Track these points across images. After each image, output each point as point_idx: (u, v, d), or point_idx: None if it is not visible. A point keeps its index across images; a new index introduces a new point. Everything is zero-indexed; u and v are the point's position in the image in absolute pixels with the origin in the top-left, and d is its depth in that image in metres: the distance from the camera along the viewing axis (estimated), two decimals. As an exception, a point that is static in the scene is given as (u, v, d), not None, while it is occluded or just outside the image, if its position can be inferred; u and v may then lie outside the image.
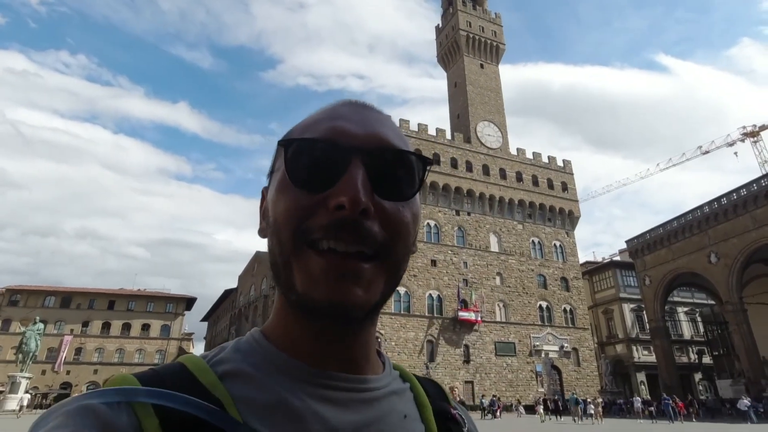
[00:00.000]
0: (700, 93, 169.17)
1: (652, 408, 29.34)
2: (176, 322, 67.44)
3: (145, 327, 65.81)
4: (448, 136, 52.45)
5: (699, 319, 52.13)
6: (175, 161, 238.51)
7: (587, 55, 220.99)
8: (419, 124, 50.31)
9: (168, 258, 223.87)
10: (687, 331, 53.35)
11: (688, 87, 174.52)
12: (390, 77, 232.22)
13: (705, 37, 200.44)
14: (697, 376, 50.05)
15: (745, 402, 23.84)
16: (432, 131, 50.99)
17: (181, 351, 74.49)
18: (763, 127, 66.35)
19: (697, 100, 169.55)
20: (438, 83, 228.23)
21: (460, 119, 57.05)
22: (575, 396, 31.65)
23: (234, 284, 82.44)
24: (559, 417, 33.09)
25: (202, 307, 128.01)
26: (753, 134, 67.01)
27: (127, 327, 64.72)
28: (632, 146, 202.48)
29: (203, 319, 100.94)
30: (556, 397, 40.23)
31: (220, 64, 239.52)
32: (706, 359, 48.48)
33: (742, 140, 68.29)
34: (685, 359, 49.83)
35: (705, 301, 51.97)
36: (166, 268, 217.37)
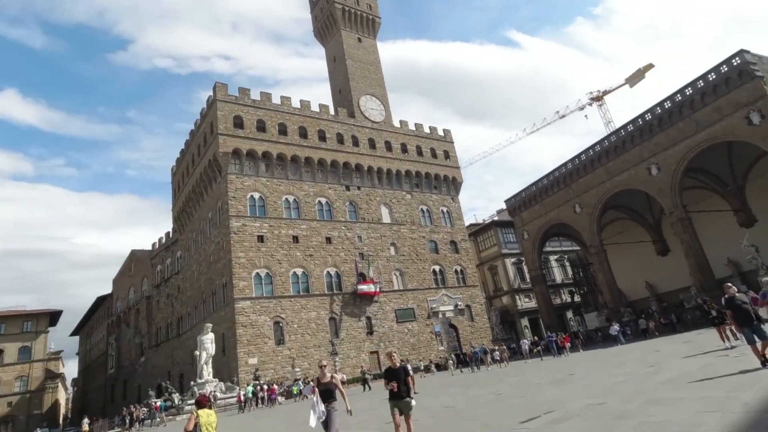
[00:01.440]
0: (547, 66, 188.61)
1: (539, 347, 32.01)
2: (38, 342, 58.40)
3: (-3, 352, 56.03)
4: (332, 111, 51.63)
5: (567, 264, 58.93)
6: (10, 159, 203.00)
7: (451, 32, 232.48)
8: (302, 101, 48.68)
9: (18, 271, 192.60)
10: (558, 276, 60.13)
11: (537, 61, 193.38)
12: (258, 57, 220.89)
13: (548, 15, 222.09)
14: (569, 314, 56.89)
15: (615, 328, 27.57)
16: (315, 107, 49.74)
17: (49, 373, 65.09)
18: (605, 92, 76.17)
19: (545, 72, 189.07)
20: (310, 62, 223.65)
21: (342, 94, 56.42)
22: (484, 346, 33.85)
23: (107, 290, 73.97)
24: (470, 368, 34.71)
25: (68, 322, 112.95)
26: (598, 98, 76.72)
27: (-28, 355, 54.56)
28: (496, 116, 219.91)
29: (73, 333, 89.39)
30: (457, 352, 42.70)
31: (57, 44, 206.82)
32: (576, 298, 55.17)
33: (590, 104, 77.90)
34: (558, 300, 56.22)
35: (571, 248, 58.90)
36: (17, 283, 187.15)
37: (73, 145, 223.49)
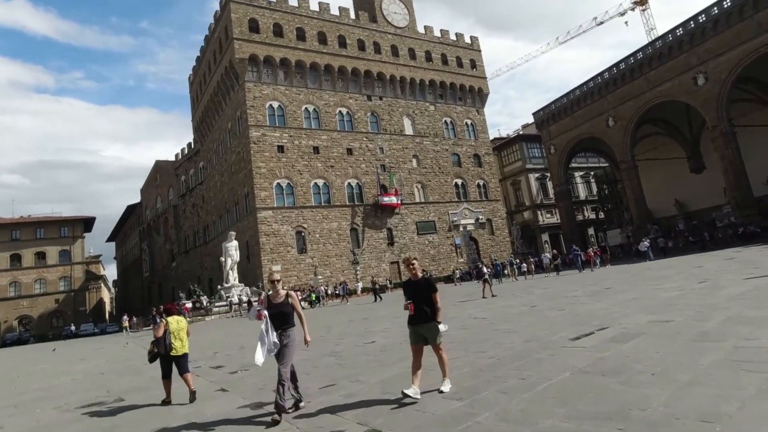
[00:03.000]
0: None
1: (557, 261, 30.60)
2: (76, 246, 61.55)
3: (40, 255, 59.40)
4: (353, 15, 48.32)
5: (593, 180, 57.41)
6: (29, 71, 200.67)
7: None
8: (320, 4, 45.52)
9: (52, 182, 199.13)
10: (582, 192, 58.90)
11: None
12: None
13: None
14: (590, 231, 56.52)
15: (645, 243, 27.01)
16: (335, 11, 46.55)
17: (90, 275, 69.43)
18: (651, -6, 68.86)
19: None
20: None
21: (364, -5, 52.35)
22: (511, 258, 34.06)
23: (136, 200, 76.26)
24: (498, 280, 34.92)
25: (104, 229, 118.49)
26: (642, 2, 69.61)
27: (16, 258, 58.04)
28: (523, 26, 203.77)
29: (109, 240, 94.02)
30: (479, 264, 43.26)
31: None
32: (600, 215, 54.40)
33: (633, 9, 70.93)
34: (581, 217, 55.58)
35: (597, 165, 57.02)
36: (53, 193, 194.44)
37: (89, 57, 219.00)
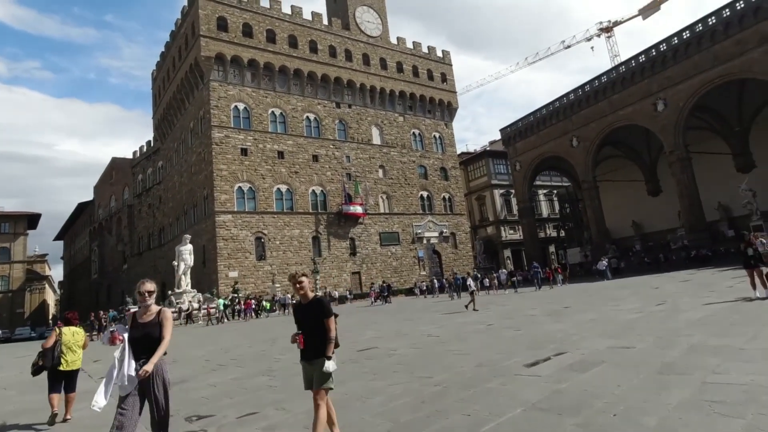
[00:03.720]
0: None
1: (515, 278, 29.80)
2: (17, 243, 57.82)
3: (-24, 252, 55.47)
4: (325, 21, 47.78)
5: (555, 199, 58.44)
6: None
7: None
8: (293, 7, 44.75)
9: (0, 174, 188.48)
10: (545, 210, 59.88)
11: None
12: None
13: None
14: (551, 248, 57.36)
15: (603, 263, 27.24)
16: (307, 15, 45.89)
17: (32, 274, 65.30)
18: (616, 23, 71.65)
19: (545, 2, 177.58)
20: None
21: (338, 3, 52.01)
22: (475, 272, 33.73)
23: (90, 197, 72.48)
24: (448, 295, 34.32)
25: (55, 227, 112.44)
26: (608, 29, 72.26)
27: (-51, 254, 54.00)
28: (492, 47, 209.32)
29: (56, 238, 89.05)
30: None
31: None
32: (561, 233, 55.28)
33: (599, 35, 73.52)
34: (542, 234, 56.36)
35: (560, 184, 58.13)
36: (1, 185, 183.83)
37: (48, 47, 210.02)
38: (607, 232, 40.76)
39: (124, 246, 58.63)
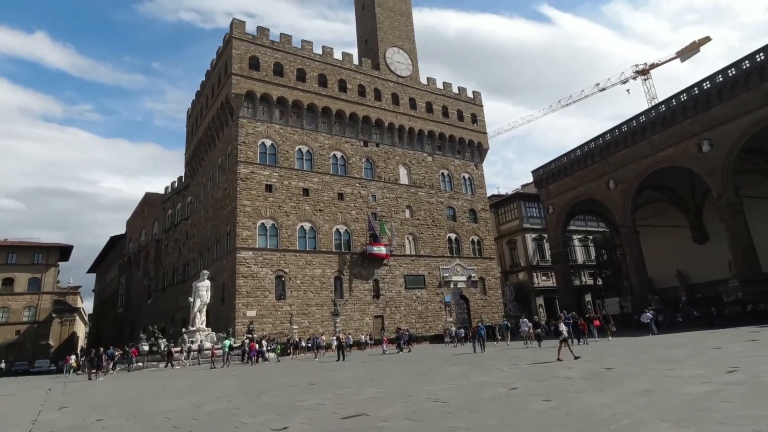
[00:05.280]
0: (579, 42, 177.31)
1: (539, 330, 24.95)
2: (48, 274, 58.61)
3: (7, 282, 56.33)
4: (356, 61, 48.30)
5: (591, 245, 55.50)
6: (40, 100, 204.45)
7: (481, 3, 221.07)
8: (324, 47, 45.46)
9: (47, 208, 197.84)
10: (580, 256, 56.83)
11: (569, 37, 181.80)
12: (282, 16, 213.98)
13: None
14: (587, 297, 53.92)
15: (648, 315, 24.46)
16: (338, 55, 46.50)
17: (62, 305, 66.03)
18: (653, 65, 70.11)
19: (576, 49, 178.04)
20: (334, 26, 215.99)
21: (369, 44, 52.80)
22: (506, 322, 31.34)
23: (122, 230, 73.99)
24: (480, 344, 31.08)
25: (91, 258, 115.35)
26: (644, 72, 70.69)
27: (-18, 283, 55.08)
28: (522, 93, 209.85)
29: (90, 271, 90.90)
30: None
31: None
32: (598, 281, 52.01)
33: (635, 78, 71.93)
34: (578, 282, 53.19)
35: (596, 229, 55.33)
36: (47, 219, 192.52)
37: (100, 91, 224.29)
38: (649, 281, 37.75)
39: (149, 280, 58.73)
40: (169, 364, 25.75)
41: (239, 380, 16.59)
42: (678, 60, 71.13)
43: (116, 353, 26.61)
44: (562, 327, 16.36)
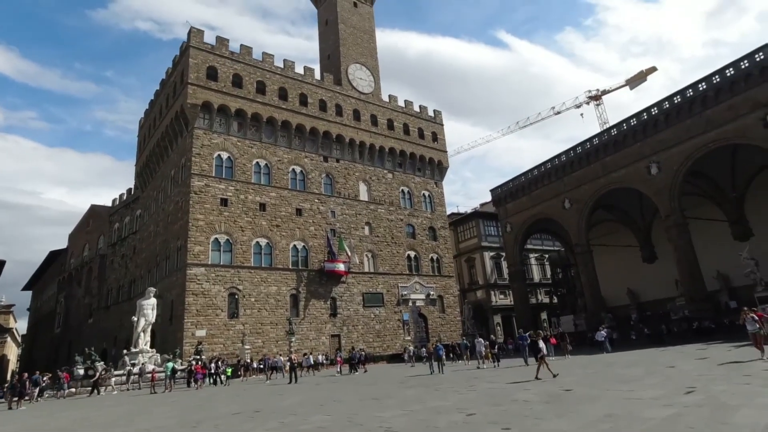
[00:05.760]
0: (534, 69, 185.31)
1: (495, 350, 24.43)
2: (-23, 291, 53.90)
3: (-71, 299, 51.45)
4: (317, 76, 47.89)
5: (547, 263, 56.63)
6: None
7: (442, 26, 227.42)
8: (285, 61, 44.81)
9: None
10: (537, 275, 57.85)
11: (525, 63, 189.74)
12: (243, 31, 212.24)
13: (542, 19, 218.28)
14: (543, 315, 54.77)
15: (602, 333, 24.73)
16: (299, 69, 45.94)
17: (-8, 326, 60.78)
18: (604, 92, 73.68)
19: (532, 75, 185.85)
20: (296, 42, 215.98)
21: (331, 60, 52.63)
22: (465, 341, 30.86)
23: (64, 245, 69.41)
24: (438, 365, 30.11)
25: (28, 275, 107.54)
26: (596, 98, 74.15)
27: None
28: (480, 114, 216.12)
29: (25, 288, 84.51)
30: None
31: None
32: (553, 299, 52.95)
33: (587, 103, 75.32)
34: (534, 300, 53.97)
35: (552, 248, 56.60)
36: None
37: (46, 98, 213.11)
38: (602, 299, 38.66)
39: (91, 298, 55.09)
40: (95, 391, 23.65)
41: (177, 408, 15.21)
42: (627, 87, 75.10)
43: (43, 379, 24.22)
44: (542, 344, 15.84)
